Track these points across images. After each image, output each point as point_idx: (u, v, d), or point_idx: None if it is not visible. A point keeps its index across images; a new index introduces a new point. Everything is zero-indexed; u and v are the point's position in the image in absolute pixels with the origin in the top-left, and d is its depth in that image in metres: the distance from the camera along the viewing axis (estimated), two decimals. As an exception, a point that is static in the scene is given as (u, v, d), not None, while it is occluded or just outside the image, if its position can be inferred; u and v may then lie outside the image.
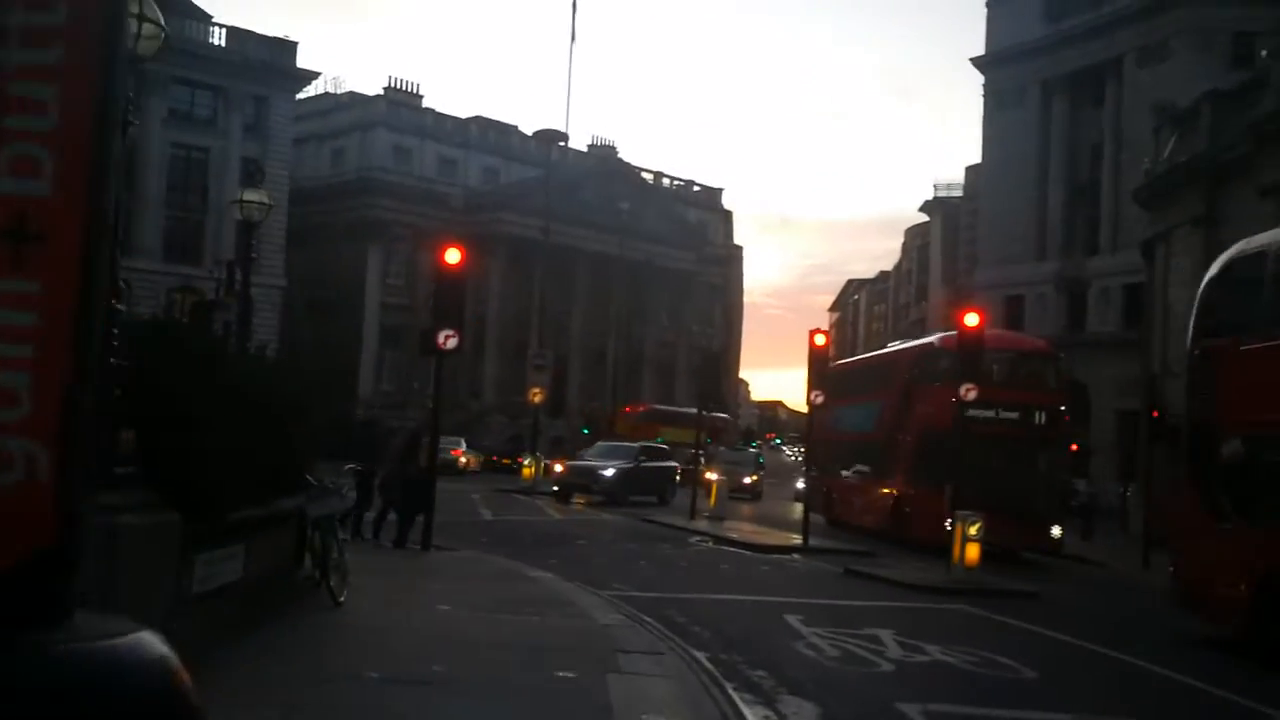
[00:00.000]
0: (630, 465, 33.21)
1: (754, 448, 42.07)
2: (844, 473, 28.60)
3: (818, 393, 22.69)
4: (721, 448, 40.76)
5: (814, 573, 18.48)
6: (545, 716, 7.08)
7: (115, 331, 6.94)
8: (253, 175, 16.25)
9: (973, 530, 16.96)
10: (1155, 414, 24.77)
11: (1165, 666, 11.21)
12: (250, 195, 16.16)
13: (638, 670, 8.60)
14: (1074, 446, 52.81)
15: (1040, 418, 23.92)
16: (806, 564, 19.74)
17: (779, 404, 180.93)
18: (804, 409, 28.24)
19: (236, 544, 8.66)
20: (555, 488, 32.88)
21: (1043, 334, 54.74)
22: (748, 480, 38.84)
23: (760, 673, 9.41)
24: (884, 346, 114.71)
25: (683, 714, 7.50)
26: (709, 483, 29.74)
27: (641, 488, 32.80)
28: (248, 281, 16.02)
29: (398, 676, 7.71)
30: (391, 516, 16.50)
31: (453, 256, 15.37)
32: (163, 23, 6.59)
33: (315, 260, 62.70)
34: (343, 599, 10.26)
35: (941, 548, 17.75)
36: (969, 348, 19.16)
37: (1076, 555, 26.65)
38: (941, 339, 24.86)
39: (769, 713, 8.08)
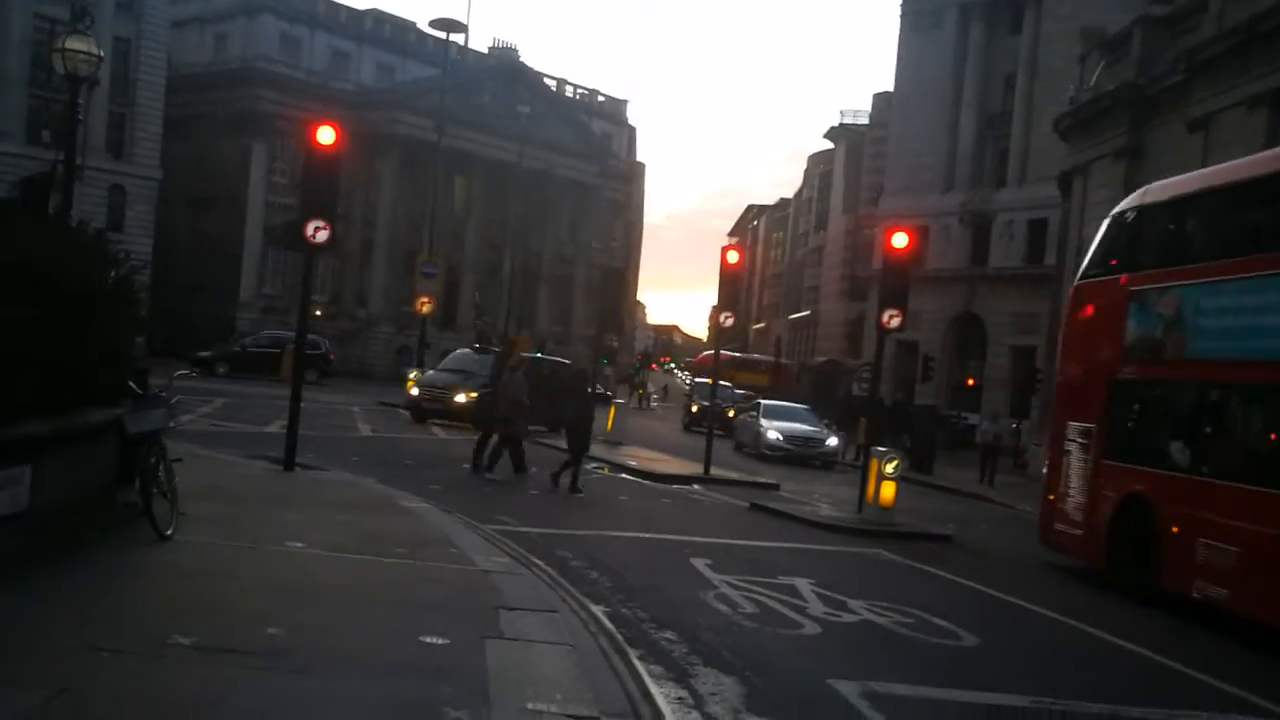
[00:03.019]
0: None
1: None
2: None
3: (728, 314, 21.16)
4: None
5: (718, 507, 17.15)
6: (397, 705, 5.47)
7: None
8: (80, 18, 13.71)
9: (889, 468, 15.77)
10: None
11: (1105, 629, 10.09)
12: (75, 43, 13.70)
13: (524, 634, 7.05)
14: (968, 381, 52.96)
15: None
16: (708, 496, 18.42)
17: (675, 328, 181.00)
18: (701, 335, 26.59)
19: (18, 465, 6.85)
20: (406, 410, 27.75)
21: (945, 266, 54.64)
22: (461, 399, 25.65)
23: (669, 634, 7.97)
24: (784, 275, 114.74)
25: (578, 697, 5.97)
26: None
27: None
28: (73, 147, 13.68)
29: (217, 642, 6.02)
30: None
31: (325, 136, 13.31)
32: None
33: (195, 153, 59.04)
34: (170, 532, 8.48)
35: None
36: None
37: (977, 494, 26.01)
38: None
39: (683, 692, 6.62)
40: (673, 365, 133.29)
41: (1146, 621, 10.95)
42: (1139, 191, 14.28)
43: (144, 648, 5.82)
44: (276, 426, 20.40)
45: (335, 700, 5.46)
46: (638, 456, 22.55)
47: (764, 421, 29.71)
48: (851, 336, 73.40)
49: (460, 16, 37.54)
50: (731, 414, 36.19)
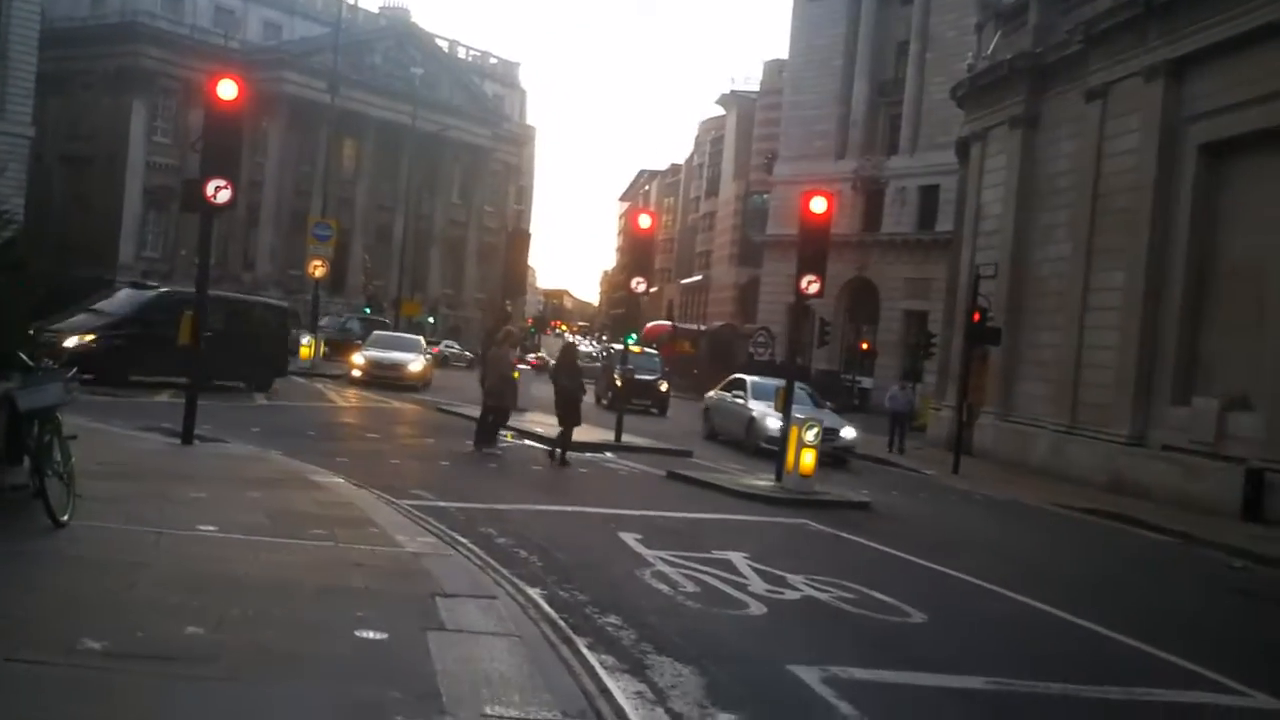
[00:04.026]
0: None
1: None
2: None
3: (640, 280, 20.73)
4: (380, 332, 35.59)
5: (636, 477, 16.82)
6: (345, 717, 4.97)
7: None
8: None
9: (810, 435, 15.60)
10: (976, 316, 24.18)
11: (1051, 604, 10.02)
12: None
13: (466, 625, 6.58)
14: (863, 345, 53.62)
15: None
16: (623, 464, 18.11)
17: (564, 293, 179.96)
18: (592, 299, 25.62)
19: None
20: None
21: (838, 232, 55.09)
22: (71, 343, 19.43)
23: (613, 619, 7.58)
24: (675, 240, 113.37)
25: (535, 697, 5.53)
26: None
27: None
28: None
29: (133, 647, 5.41)
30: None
31: (228, 90, 12.47)
32: None
33: (71, 111, 56.42)
34: (66, 518, 7.77)
35: None
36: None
37: (884, 460, 26.18)
38: None
39: (641, 686, 6.22)
40: (564, 330, 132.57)
41: (1084, 599, 10.91)
42: None
43: (49, 655, 5.18)
44: (167, 396, 19.49)
45: (274, 714, 4.94)
46: (545, 424, 22.05)
47: (755, 405, 23.29)
48: (742, 300, 73.77)
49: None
50: (665, 387, 34.29)
